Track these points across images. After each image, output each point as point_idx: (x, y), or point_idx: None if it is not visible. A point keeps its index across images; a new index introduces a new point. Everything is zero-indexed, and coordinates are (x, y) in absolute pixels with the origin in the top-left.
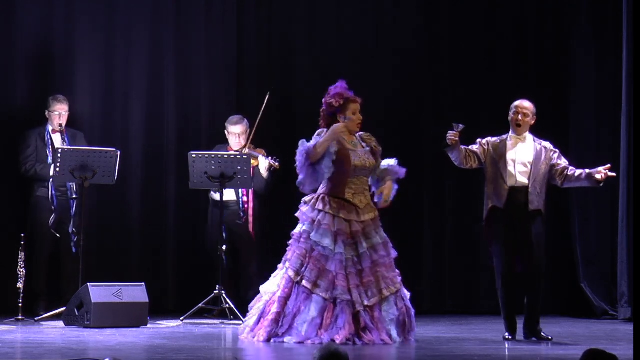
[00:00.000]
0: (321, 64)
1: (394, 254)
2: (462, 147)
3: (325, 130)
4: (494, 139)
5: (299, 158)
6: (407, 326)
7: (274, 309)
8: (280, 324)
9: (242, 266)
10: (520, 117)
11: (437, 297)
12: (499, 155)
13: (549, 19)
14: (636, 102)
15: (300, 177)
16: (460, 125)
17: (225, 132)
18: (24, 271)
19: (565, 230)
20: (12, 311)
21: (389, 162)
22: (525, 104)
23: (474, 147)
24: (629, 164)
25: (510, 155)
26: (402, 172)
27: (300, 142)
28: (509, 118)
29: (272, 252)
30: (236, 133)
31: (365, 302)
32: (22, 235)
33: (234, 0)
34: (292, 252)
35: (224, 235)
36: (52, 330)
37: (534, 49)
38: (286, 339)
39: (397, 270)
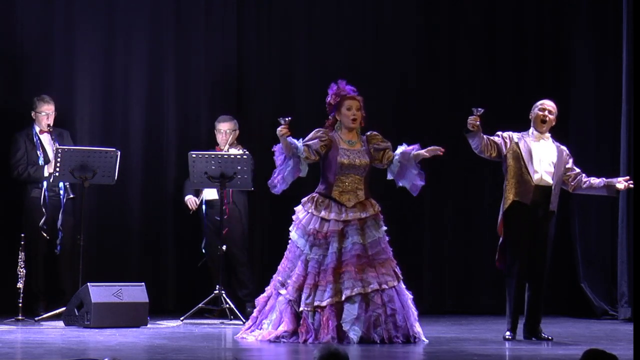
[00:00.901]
0: (321, 65)
1: (387, 253)
2: (484, 135)
3: (318, 129)
4: (516, 133)
5: (277, 156)
6: (385, 326)
7: (257, 307)
8: (257, 321)
9: (236, 265)
10: (546, 113)
11: (437, 297)
12: (525, 150)
13: (549, 19)
14: (636, 102)
15: (274, 177)
16: (481, 109)
17: (215, 131)
18: (24, 271)
19: (565, 230)
20: (12, 311)
21: (398, 150)
22: (551, 103)
23: (496, 139)
24: (629, 164)
25: (536, 153)
26: (416, 147)
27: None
28: (532, 116)
29: (262, 250)
30: (224, 130)
31: (316, 303)
32: (22, 235)
33: (234, 0)
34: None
35: (204, 239)
36: (52, 330)
37: (534, 49)
38: (249, 335)
39: (389, 271)
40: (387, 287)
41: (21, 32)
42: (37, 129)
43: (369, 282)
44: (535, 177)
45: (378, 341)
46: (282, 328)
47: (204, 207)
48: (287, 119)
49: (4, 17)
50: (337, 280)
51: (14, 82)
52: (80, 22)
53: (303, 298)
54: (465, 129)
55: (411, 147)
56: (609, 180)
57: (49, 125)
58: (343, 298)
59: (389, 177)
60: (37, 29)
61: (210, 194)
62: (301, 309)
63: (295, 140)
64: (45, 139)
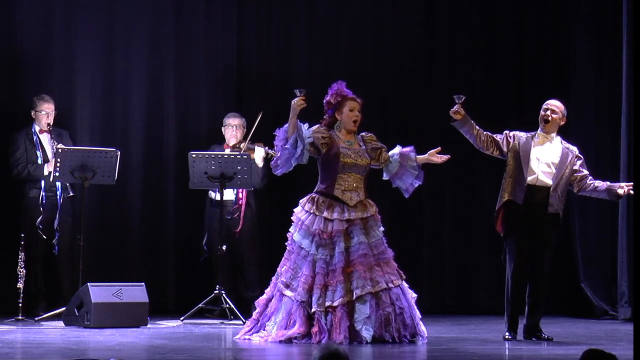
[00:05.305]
0: (321, 65)
1: (389, 253)
2: (486, 132)
3: (318, 126)
4: (522, 133)
5: (280, 138)
6: (395, 325)
7: (258, 309)
8: (259, 323)
9: (244, 265)
10: (549, 112)
11: (437, 297)
12: (523, 150)
13: (549, 19)
14: (636, 102)
15: (277, 157)
16: (462, 97)
17: (222, 128)
18: (24, 271)
19: (565, 230)
20: (12, 311)
21: (395, 151)
22: (555, 102)
23: (498, 136)
24: (629, 164)
25: (535, 153)
26: (412, 148)
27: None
28: (539, 116)
29: (272, 250)
30: (233, 125)
31: (327, 303)
32: (22, 235)
33: (234, 0)
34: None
35: (206, 235)
36: (52, 330)
37: (534, 48)
38: (253, 336)
39: (393, 270)
40: (393, 286)
41: (21, 33)
42: (37, 128)
43: (377, 281)
44: (530, 177)
45: (390, 340)
46: (295, 329)
47: (213, 204)
48: (302, 91)
49: (4, 17)
50: (347, 279)
51: (14, 82)
52: (80, 22)
53: (314, 299)
54: (452, 119)
55: (408, 149)
56: (612, 184)
57: (48, 125)
58: (354, 297)
59: (385, 177)
60: (37, 29)
61: (225, 193)
62: (313, 309)
63: (300, 123)
64: (45, 138)
